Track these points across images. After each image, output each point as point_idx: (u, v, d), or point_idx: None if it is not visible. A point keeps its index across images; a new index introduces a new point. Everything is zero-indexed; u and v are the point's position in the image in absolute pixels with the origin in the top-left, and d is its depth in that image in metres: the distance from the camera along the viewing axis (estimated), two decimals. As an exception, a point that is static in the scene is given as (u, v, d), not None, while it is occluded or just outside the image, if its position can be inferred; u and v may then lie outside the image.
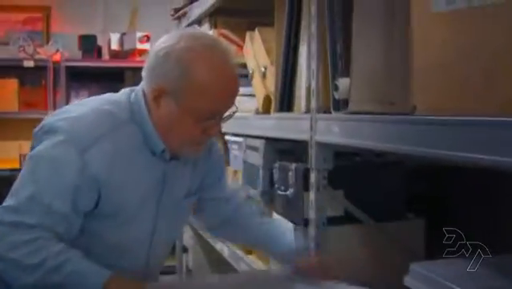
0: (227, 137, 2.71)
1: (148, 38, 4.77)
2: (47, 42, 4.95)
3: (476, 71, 1.08)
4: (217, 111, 1.57)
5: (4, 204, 1.51)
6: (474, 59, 1.08)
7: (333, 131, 1.55)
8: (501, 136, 0.94)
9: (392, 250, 1.80)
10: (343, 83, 1.48)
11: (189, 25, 3.39)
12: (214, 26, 3.03)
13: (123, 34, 4.93)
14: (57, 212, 1.49)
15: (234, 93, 1.61)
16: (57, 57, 4.76)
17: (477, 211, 1.89)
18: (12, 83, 4.80)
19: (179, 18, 3.54)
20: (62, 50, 4.77)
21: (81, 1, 5.16)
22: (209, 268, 3.62)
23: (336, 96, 1.51)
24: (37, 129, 1.59)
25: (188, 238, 4.05)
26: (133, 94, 1.63)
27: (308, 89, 1.71)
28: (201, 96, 1.52)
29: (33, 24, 5.10)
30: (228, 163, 2.76)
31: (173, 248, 4.45)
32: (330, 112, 1.58)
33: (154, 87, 1.56)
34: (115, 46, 4.86)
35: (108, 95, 1.68)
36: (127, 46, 4.86)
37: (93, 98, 1.71)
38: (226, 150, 2.78)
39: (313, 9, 1.64)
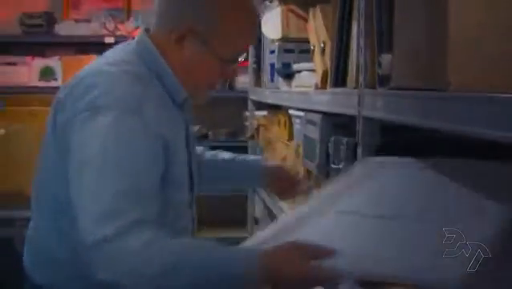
0: (291, 111, 2.77)
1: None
2: (128, 19, 5.11)
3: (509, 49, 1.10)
4: (244, 50, 1.58)
5: (87, 216, 1.31)
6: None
7: (377, 106, 1.58)
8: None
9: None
10: (385, 59, 1.51)
11: None
12: (283, 1, 3.07)
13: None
14: (149, 191, 1.37)
15: (256, 32, 1.63)
16: (136, 33, 4.88)
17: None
18: (94, 59, 4.94)
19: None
20: (141, 26, 4.92)
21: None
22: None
23: (380, 72, 1.54)
24: (67, 112, 1.45)
25: (258, 210, 4.15)
26: (135, 45, 1.57)
27: (357, 65, 1.74)
28: (234, 36, 1.51)
29: (114, 2, 5.25)
30: (292, 137, 2.83)
31: (245, 220, 4.57)
32: (375, 88, 1.61)
33: (179, 28, 1.50)
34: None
35: (111, 55, 1.59)
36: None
37: (102, 62, 1.58)
38: (290, 124, 2.84)
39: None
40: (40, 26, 4.87)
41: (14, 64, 4.79)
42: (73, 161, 1.39)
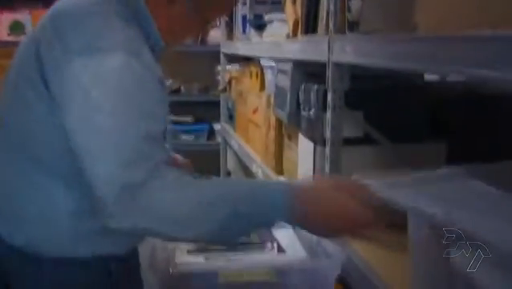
0: (263, 62, 2.77)
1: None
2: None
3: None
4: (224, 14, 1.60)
5: (110, 163, 1.21)
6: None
7: (347, 51, 1.59)
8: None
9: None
10: (355, 4, 1.51)
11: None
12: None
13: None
14: (162, 132, 1.33)
15: None
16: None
17: (501, 140, 1.91)
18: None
19: None
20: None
21: None
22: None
23: (349, 18, 1.55)
24: (55, 51, 1.32)
25: (231, 162, 4.17)
26: None
27: (327, 12, 1.74)
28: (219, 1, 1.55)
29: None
30: (263, 88, 2.83)
31: (217, 173, 4.59)
32: (345, 33, 1.62)
33: None
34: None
35: None
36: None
37: None
38: (262, 75, 2.85)
39: None
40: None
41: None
42: (78, 108, 1.28)
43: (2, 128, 1.44)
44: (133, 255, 1.50)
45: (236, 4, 1.67)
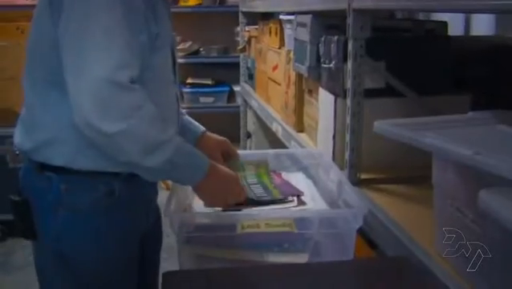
0: (281, 17, 2.70)
1: None
2: None
3: None
4: None
5: (99, 66, 1.34)
6: None
7: (368, -4, 1.53)
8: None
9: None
10: None
11: None
12: None
13: None
14: (142, 46, 1.42)
15: None
16: None
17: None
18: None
19: None
20: None
21: None
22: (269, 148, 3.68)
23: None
24: None
25: (251, 123, 4.13)
26: None
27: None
28: None
29: None
30: (283, 43, 2.77)
31: (237, 135, 4.55)
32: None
33: None
34: None
35: None
36: None
37: None
38: (281, 31, 2.78)
39: None
40: None
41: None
42: (69, 21, 1.39)
43: (29, 58, 1.55)
44: (145, 183, 1.53)
45: None
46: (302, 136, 2.41)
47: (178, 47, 5.05)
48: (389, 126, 1.14)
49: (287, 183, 1.65)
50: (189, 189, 1.56)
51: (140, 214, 1.59)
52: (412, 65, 1.85)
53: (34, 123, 1.52)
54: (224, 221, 1.43)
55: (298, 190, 1.58)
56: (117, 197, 1.49)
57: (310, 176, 1.77)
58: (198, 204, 1.54)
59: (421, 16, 2.86)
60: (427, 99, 1.83)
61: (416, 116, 1.77)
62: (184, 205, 1.58)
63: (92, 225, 1.49)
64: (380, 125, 1.16)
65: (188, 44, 5.13)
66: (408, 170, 1.77)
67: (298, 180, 1.70)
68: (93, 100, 1.33)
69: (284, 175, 1.74)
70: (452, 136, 1.08)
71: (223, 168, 1.55)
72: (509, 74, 1.96)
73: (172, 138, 1.42)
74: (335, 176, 1.65)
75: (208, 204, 1.52)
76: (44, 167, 1.49)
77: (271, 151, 2.10)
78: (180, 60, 4.96)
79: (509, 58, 1.99)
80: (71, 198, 1.48)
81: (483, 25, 2.81)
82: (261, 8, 3.24)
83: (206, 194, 1.51)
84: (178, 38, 5.13)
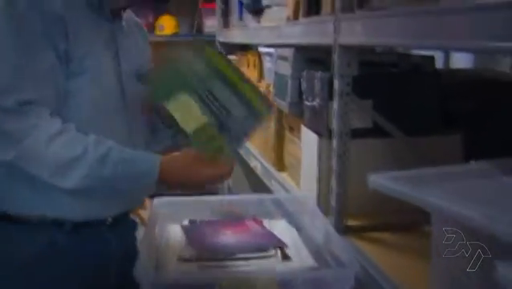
0: (260, 49, 2.59)
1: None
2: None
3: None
4: None
5: None
6: None
7: (356, 31, 1.41)
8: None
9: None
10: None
11: None
12: None
13: None
14: (46, 66, 1.37)
15: None
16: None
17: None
18: None
19: None
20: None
21: None
22: (248, 186, 3.56)
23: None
24: None
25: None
26: None
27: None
28: None
29: None
30: (262, 76, 2.66)
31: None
32: (353, 11, 1.45)
33: None
34: None
35: None
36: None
37: None
38: (260, 63, 2.67)
39: None
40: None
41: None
42: None
43: None
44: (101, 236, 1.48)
45: None
46: (284, 176, 2.28)
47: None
48: (386, 181, 1.02)
49: (270, 233, 1.52)
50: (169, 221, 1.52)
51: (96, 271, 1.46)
52: (399, 103, 1.74)
53: None
54: (201, 281, 1.28)
55: (281, 242, 1.45)
56: (59, 249, 1.40)
57: (294, 222, 1.64)
58: (171, 261, 1.39)
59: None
60: (416, 140, 1.72)
61: (405, 157, 1.67)
62: (157, 252, 1.44)
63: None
64: (376, 179, 1.03)
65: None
66: (397, 215, 1.65)
67: (281, 228, 1.58)
68: None
69: (266, 222, 1.61)
70: (456, 192, 0.96)
71: (179, 155, 1.45)
72: (499, 108, 1.85)
73: (87, 152, 1.34)
74: (320, 223, 1.53)
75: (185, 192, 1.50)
76: None
77: (254, 196, 1.98)
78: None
79: (498, 91, 1.89)
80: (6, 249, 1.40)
81: (462, 57, 2.74)
82: (238, 39, 3.13)
83: (175, 188, 1.49)
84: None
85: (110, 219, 1.51)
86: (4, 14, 1.38)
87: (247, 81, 1.52)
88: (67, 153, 1.34)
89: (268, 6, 2.50)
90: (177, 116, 1.45)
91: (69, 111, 1.41)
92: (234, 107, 1.48)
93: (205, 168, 1.43)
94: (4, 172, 1.39)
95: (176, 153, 1.47)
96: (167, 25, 4.86)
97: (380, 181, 1.02)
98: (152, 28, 4.82)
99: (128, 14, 1.67)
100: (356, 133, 1.66)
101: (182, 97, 1.46)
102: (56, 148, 1.33)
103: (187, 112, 1.46)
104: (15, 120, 1.33)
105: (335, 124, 1.61)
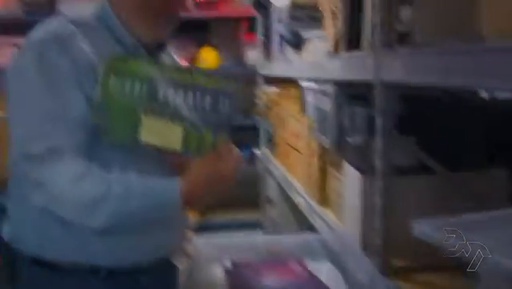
0: (302, 83, 2.57)
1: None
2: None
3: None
4: None
5: (17, 140, 1.41)
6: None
7: (397, 68, 1.37)
8: None
9: (469, 205, 1.62)
10: (405, 12, 1.30)
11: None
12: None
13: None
14: (75, 113, 1.40)
15: None
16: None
17: None
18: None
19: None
20: None
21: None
22: (293, 220, 3.51)
23: (399, 29, 1.34)
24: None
25: (271, 188, 3.97)
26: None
27: (373, 23, 1.53)
28: None
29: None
30: (304, 111, 2.63)
31: (258, 200, 4.39)
32: (394, 47, 1.41)
33: None
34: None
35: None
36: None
37: None
38: (302, 97, 2.65)
39: None
40: (41, 4, 4.68)
41: (16, 46, 4.53)
42: (8, 99, 1.44)
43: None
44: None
45: None
46: (327, 212, 2.24)
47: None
48: (429, 229, 0.98)
49: (313, 277, 1.48)
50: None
51: None
52: (443, 138, 1.70)
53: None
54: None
55: (325, 286, 1.41)
56: None
57: (337, 263, 1.60)
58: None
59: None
60: (460, 176, 1.67)
61: (449, 193, 1.62)
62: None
63: None
64: (420, 227, 0.99)
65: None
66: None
67: (325, 270, 1.54)
68: (14, 177, 1.40)
69: (310, 264, 1.57)
70: (501, 241, 0.91)
71: (190, 172, 1.46)
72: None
73: (110, 189, 1.36)
74: (364, 264, 1.49)
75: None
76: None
77: (297, 236, 1.94)
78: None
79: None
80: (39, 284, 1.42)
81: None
82: (279, 72, 3.11)
83: (208, 200, 1.50)
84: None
85: (146, 265, 1.49)
86: (36, 60, 1.41)
87: (187, 68, 1.53)
88: (92, 193, 1.35)
89: (309, 40, 2.48)
90: (156, 141, 1.45)
91: (100, 152, 1.42)
92: (196, 100, 1.47)
93: (216, 167, 1.46)
94: (36, 217, 1.41)
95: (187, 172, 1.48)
96: (208, 57, 4.88)
97: (424, 229, 0.98)
98: (193, 60, 4.85)
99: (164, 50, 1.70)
100: (400, 170, 1.62)
101: (144, 121, 1.45)
102: (82, 190, 1.35)
103: (161, 133, 1.45)
104: (44, 166, 1.35)
105: (377, 162, 1.57)
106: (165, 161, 1.54)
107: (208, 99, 1.47)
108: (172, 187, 1.42)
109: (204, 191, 1.46)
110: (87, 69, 1.43)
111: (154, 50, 1.61)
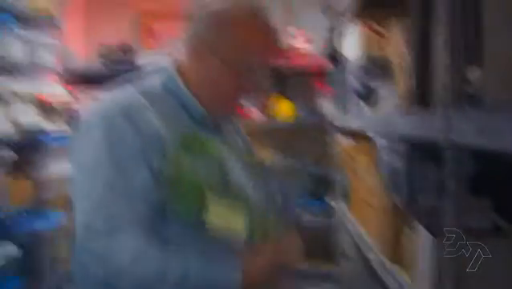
0: (374, 138, 2.52)
1: (305, 37, 4.66)
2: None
3: None
4: (255, 62, 1.57)
5: (80, 212, 1.41)
6: None
7: (467, 130, 1.32)
8: None
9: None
10: (474, 73, 1.26)
11: (337, 18, 3.23)
12: (359, 17, 2.84)
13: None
14: (138, 185, 1.40)
15: (271, 45, 1.60)
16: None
17: None
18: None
19: (328, 11, 3.40)
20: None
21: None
22: (366, 276, 3.43)
23: (468, 90, 1.29)
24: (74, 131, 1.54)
25: (345, 241, 3.91)
26: (160, 69, 1.63)
27: (442, 82, 1.49)
28: (240, 46, 1.54)
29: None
30: (377, 166, 2.57)
31: (332, 253, 4.31)
32: (463, 108, 1.36)
33: (196, 47, 1.57)
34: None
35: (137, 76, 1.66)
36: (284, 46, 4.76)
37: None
38: (375, 152, 2.59)
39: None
40: (119, 57, 4.83)
41: (96, 98, 4.66)
42: (72, 168, 1.47)
43: None
44: None
45: (269, 55, 1.62)
46: (400, 271, 2.16)
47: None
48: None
49: None
50: None
51: None
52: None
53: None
54: None
55: None
56: None
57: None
58: None
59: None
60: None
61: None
62: None
63: None
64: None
65: (282, 156, 5.02)
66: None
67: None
68: (77, 246, 1.37)
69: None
70: None
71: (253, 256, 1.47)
72: None
73: (168, 270, 1.35)
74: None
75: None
76: None
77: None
78: (273, 174, 4.83)
79: None
80: None
81: None
82: (352, 124, 3.08)
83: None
84: (272, 151, 5.04)
85: None
86: (103, 132, 1.43)
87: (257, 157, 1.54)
88: (150, 273, 1.35)
89: (380, 94, 2.44)
90: (220, 223, 1.45)
91: (163, 227, 1.42)
92: (263, 184, 1.48)
93: (279, 256, 1.50)
94: (96, 287, 1.40)
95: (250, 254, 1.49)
96: (283, 109, 4.89)
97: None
98: (268, 112, 4.87)
99: None
100: (473, 233, 1.55)
101: (210, 201, 1.45)
102: (140, 269, 1.35)
103: (225, 214, 1.44)
104: (105, 239, 1.35)
105: (449, 225, 1.51)
106: (228, 243, 1.52)
107: (275, 185, 1.48)
108: (233, 275, 1.42)
109: (264, 280, 1.47)
110: (154, 143, 1.44)
111: (222, 119, 1.65)
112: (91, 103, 1.61)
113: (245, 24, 1.57)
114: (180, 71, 1.61)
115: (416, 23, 1.68)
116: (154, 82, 1.60)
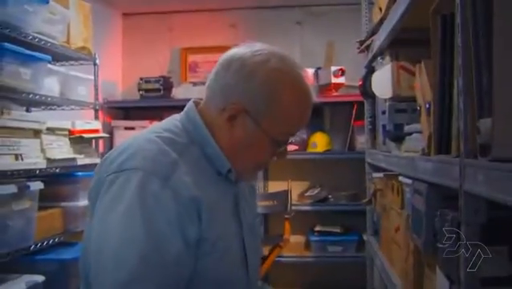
0: (401, 178, 2.51)
1: (342, 72, 4.67)
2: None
3: None
4: (295, 133, 1.55)
5: (110, 282, 1.31)
6: None
7: (479, 180, 1.32)
8: None
9: None
10: (485, 124, 1.26)
11: (373, 57, 3.24)
12: (395, 57, 2.85)
13: (317, 69, 4.88)
14: (173, 256, 1.34)
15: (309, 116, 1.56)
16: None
17: None
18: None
19: (364, 51, 3.41)
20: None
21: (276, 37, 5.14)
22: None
23: (478, 140, 1.29)
24: (101, 174, 1.45)
25: (377, 279, 3.87)
26: (184, 116, 1.57)
27: (458, 130, 1.49)
28: (285, 119, 1.49)
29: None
30: (404, 205, 2.57)
31: (364, 286, 4.27)
32: (476, 158, 1.36)
33: (232, 106, 1.49)
34: (310, 81, 4.81)
35: (158, 124, 1.59)
36: (322, 81, 4.79)
37: (144, 130, 1.59)
38: (402, 191, 2.59)
39: (459, 39, 1.44)
40: (157, 90, 4.90)
41: (132, 128, 4.76)
42: (96, 225, 1.39)
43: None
44: None
45: (306, 122, 1.58)
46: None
47: (306, 194, 4.95)
48: None
49: None
50: None
51: None
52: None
53: None
54: None
55: None
56: None
57: None
58: None
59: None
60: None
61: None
62: None
63: None
64: None
65: (316, 191, 5.02)
66: None
67: None
68: None
69: None
70: None
71: None
72: None
73: None
74: None
75: None
76: None
77: None
78: (307, 208, 4.86)
79: None
80: None
81: None
82: (382, 163, 3.07)
83: None
84: (306, 184, 5.04)
85: None
86: (136, 190, 1.35)
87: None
88: None
89: (409, 134, 2.44)
90: None
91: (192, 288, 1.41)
92: None
93: None
94: None
95: None
96: (320, 142, 4.90)
97: None
98: (305, 145, 4.88)
99: None
100: (490, 282, 1.54)
101: None
102: None
103: None
104: None
105: (462, 273, 1.50)
106: None
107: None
108: None
109: None
110: (189, 205, 1.39)
111: (245, 179, 1.65)
112: (124, 148, 1.46)
113: (298, 103, 1.51)
114: (205, 120, 1.54)
115: (440, 68, 1.68)
116: (179, 129, 1.53)
